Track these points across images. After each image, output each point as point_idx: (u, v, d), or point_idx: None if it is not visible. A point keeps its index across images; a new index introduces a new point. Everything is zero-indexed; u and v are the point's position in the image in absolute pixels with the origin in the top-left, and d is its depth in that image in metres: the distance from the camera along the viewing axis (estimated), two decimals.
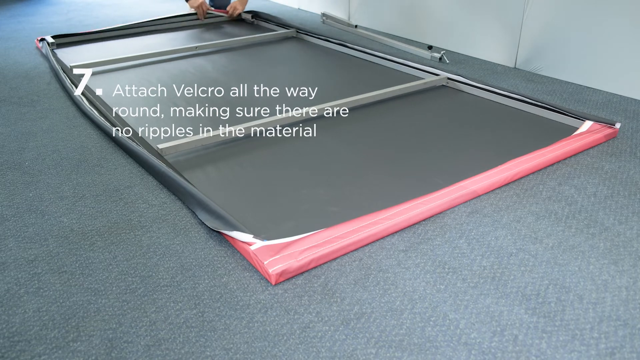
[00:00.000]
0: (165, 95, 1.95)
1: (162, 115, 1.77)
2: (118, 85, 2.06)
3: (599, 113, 1.75)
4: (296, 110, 1.72)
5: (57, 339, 0.87)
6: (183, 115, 1.77)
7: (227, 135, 1.57)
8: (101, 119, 1.66)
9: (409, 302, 0.94)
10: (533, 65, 2.18)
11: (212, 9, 3.21)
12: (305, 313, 0.91)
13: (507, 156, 1.38)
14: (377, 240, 1.11)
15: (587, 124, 1.57)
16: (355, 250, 1.08)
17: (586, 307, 0.92)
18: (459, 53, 2.46)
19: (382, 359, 0.82)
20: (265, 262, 0.99)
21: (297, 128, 1.64)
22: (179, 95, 1.95)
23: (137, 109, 1.82)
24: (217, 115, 1.76)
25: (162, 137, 1.59)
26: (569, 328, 0.87)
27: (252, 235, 1.04)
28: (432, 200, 1.19)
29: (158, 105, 1.85)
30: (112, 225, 1.18)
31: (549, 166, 1.39)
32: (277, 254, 1.01)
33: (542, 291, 0.96)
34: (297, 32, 2.75)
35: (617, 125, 1.56)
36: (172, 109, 1.82)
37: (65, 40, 2.67)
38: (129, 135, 1.54)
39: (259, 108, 1.82)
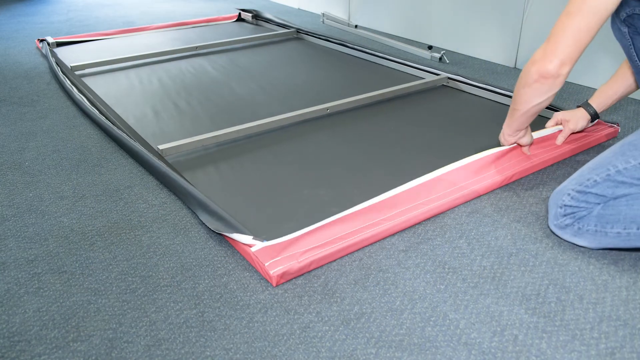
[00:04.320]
0: (165, 95, 1.95)
1: (163, 115, 1.77)
2: (118, 85, 2.06)
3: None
4: (297, 110, 1.72)
5: (57, 339, 0.87)
6: (183, 115, 1.77)
7: (227, 135, 1.57)
8: (102, 119, 1.66)
9: (409, 302, 0.94)
10: None
11: None
12: (305, 313, 0.91)
13: (508, 156, 1.38)
14: (378, 240, 1.11)
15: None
16: (356, 250, 1.08)
17: (586, 307, 0.92)
18: (459, 53, 2.46)
19: (382, 359, 0.82)
20: (266, 264, 0.99)
21: (297, 128, 1.65)
22: (179, 95, 1.95)
23: (137, 109, 1.83)
24: (217, 115, 1.77)
25: (162, 137, 1.59)
26: (569, 328, 0.87)
27: (252, 237, 1.04)
28: (432, 201, 1.19)
29: (158, 105, 1.86)
30: (112, 225, 1.18)
31: (549, 166, 1.39)
32: (278, 255, 1.01)
33: (542, 291, 0.96)
34: (298, 32, 2.76)
35: (618, 126, 1.56)
36: (172, 109, 1.82)
37: (66, 40, 2.68)
38: (129, 135, 1.54)
39: (259, 108, 1.82)
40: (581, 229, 1.03)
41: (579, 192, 1.03)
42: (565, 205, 1.04)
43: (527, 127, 1.29)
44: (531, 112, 1.17)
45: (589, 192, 1.02)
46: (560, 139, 1.43)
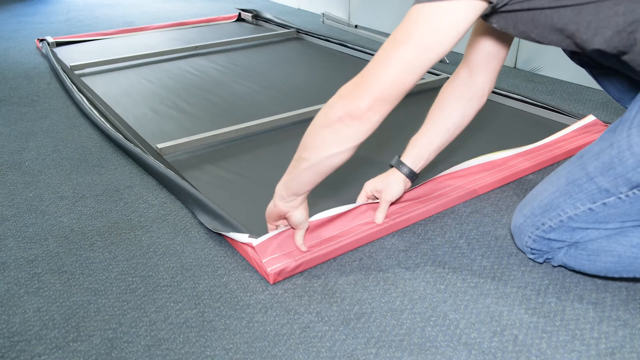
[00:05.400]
0: (165, 95, 1.95)
1: (162, 115, 1.77)
2: (118, 85, 2.06)
3: (599, 113, 1.75)
4: (296, 110, 1.72)
5: (57, 339, 0.87)
6: (183, 115, 1.77)
7: (226, 134, 1.57)
8: (100, 120, 1.66)
9: (409, 302, 0.94)
10: (533, 65, 2.18)
11: None
12: (305, 313, 0.91)
13: (507, 156, 1.38)
14: (377, 239, 1.11)
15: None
16: (354, 249, 1.08)
17: (586, 307, 0.92)
18: (459, 53, 2.46)
19: (382, 359, 0.82)
20: (263, 261, 0.99)
21: (297, 128, 1.65)
22: (178, 95, 1.95)
23: (137, 108, 1.83)
24: (217, 115, 1.77)
25: (161, 137, 1.59)
26: (569, 328, 0.87)
27: (248, 235, 1.04)
28: (431, 200, 1.19)
29: (158, 105, 1.86)
30: (112, 225, 1.18)
31: (548, 166, 1.39)
32: (275, 253, 1.01)
33: (542, 291, 0.96)
34: (298, 32, 2.76)
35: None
36: (172, 109, 1.82)
37: (66, 40, 2.68)
38: (126, 136, 1.54)
39: (259, 108, 1.82)
40: (552, 264, 1.01)
41: (538, 236, 0.97)
42: (530, 247, 1.00)
43: (305, 196, 0.95)
44: (322, 166, 0.86)
45: (548, 238, 0.96)
46: (379, 217, 1.10)
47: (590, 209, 0.90)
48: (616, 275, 0.93)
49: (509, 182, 1.32)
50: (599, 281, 0.98)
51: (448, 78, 1.99)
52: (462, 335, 0.86)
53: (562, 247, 0.97)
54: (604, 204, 0.89)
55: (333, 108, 0.83)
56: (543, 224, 0.96)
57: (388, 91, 0.80)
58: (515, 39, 2.22)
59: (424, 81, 1.97)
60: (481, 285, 0.97)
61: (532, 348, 0.84)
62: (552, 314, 0.90)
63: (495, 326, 0.88)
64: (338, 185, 1.32)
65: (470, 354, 0.83)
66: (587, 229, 0.93)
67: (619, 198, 0.87)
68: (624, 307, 0.92)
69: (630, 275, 0.91)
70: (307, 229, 1.03)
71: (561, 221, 0.94)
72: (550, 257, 1.00)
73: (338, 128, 0.83)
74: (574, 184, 0.92)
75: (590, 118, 1.57)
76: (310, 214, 1.05)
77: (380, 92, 0.80)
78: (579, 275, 1.00)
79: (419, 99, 1.89)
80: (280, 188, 0.95)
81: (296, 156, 0.90)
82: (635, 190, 0.85)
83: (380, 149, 1.51)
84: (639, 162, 0.83)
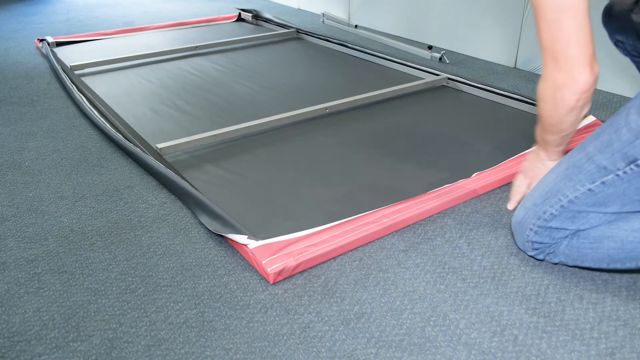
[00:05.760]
0: (165, 95, 1.95)
1: (162, 115, 1.77)
2: (118, 85, 2.06)
3: (599, 113, 1.75)
4: (296, 110, 1.72)
5: (57, 339, 0.87)
6: (183, 115, 1.77)
7: (226, 134, 1.57)
8: (99, 120, 1.66)
9: (409, 302, 0.94)
10: (533, 65, 2.18)
11: None
12: (305, 313, 0.91)
13: (507, 156, 1.38)
14: (377, 239, 1.11)
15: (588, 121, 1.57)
16: (354, 249, 1.08)
17: (586, 307, 0.92)
18: (459, 53, 2.46)
19: (382, 359, 0.82)
20: (263, 262, 0.99)
21: (297, 128, 1.65)
22: (178, 95, 1.95)
23: (137, 108, 1.83)
24: (217, 115, 1.77)
25: (161, 137, 1.59)
26: (569, 328, 0.87)
27: (247, 236, 1.04)
28: (431, 200, 1.19)
29: (158, 105, 1.86)
30: (112, 225, 1.18)
31: None
32: (275, 253, 1.01)
33: (542, 291, 0.96)
34: (298, 32, 2.76)
35: None
36: (172, 109, 1.82)
37: (66, 40, 2.68)
38: (126, 136, 1.54)
39: (259, 108, 1.82)
40: (554, 260, 1.01)
41: (540, 226, 0.98)
42: (531, 241, 1.00)
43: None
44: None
45: (550, 227, 0.97)
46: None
47: (589, 189, 0.92)
48: (619, 265, 0.93)
49: (509, 182, 1.32)
50: (599, 281, 0.98)
51: (448, 78, 2.00)
52: (462, 335, 0.86)
53: (564, 238, 0.98)
54: (603, 182, 0.90)
55: (564, 99, 0.92)
56: (544, 212, 0.97)
57: (586, 49, 0.89)
58: (517, 41, 2.22)
59: (424, 81, 1.97)
60: (481, 285, 0.97)
61: (532, 348, 0.84)
62: (552, 314, 0.90)
63: (495, 326, 0.88)
64: (341, 192, 1.32)
65: (470, 354, 0.83)
66: (588, 212, 0.94)
67: (617, 175, 0.88)
68: (624, 307, 0.92)
69: (633, 263, 0.92)
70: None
71: (562, 206, 0.95)
72: (552, 251, 1.00)
73: (581, 105, 0.93)
74: (574, 166, 0.94)
75: (590, 119, 1.57)
76: (321, 223, 1.06)
77: (582, 57, 0.89)
78: (579, 275, 1.00)
79: (419, 99, 1.89)
80: (554, 154, 1.09)
81: (559, 135, 1.02)
82: (632, 166, 0.86)
83: (384, 146, 1.51)
84: (635, 136, 0.85)
